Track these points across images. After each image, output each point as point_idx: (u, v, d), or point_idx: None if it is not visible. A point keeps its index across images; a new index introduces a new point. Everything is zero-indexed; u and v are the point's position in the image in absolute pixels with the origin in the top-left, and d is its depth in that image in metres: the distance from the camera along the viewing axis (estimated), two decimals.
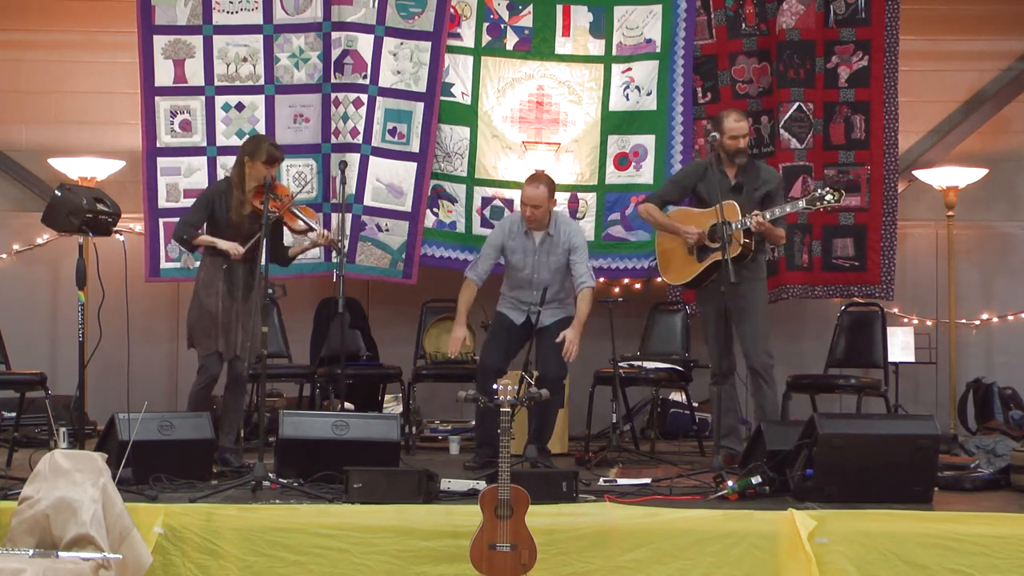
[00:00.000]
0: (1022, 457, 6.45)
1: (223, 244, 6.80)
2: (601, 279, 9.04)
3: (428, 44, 8.71)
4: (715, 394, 7.25)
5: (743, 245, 6.99)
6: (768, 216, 6.96)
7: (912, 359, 8.98)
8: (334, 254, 8.22)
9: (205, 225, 6.93)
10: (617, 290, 8.94)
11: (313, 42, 8.71)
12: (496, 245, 7.44)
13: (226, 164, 8.25)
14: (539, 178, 7.40)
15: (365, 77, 8.66)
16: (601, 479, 6.47)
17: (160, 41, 8.68)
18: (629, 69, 8.90)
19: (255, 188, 6.86)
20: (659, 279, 8.92)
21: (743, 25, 8.97)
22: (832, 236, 8.90)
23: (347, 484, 5.76)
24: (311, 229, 7.00)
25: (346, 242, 7.58)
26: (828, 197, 6.89)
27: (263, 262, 6.46)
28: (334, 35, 8.65)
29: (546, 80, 8.93)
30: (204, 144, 8.70)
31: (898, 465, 5.84)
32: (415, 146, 8.73)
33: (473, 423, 8.24)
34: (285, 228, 7.05)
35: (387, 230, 8.71)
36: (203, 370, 6.86)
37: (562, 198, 8.88)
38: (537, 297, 7.21)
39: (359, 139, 8.64)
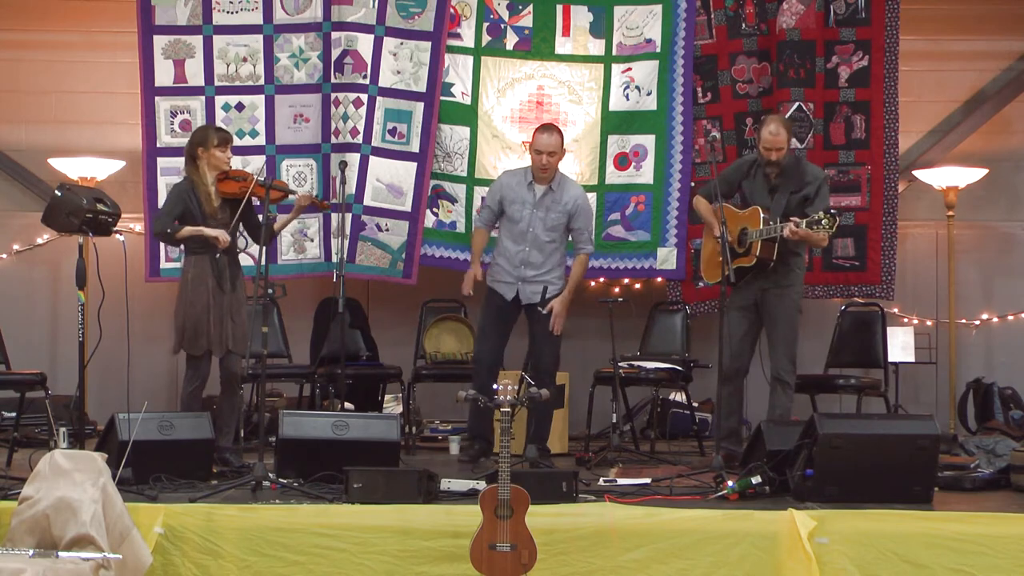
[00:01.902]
0: (1022, 457, 6.45)
1: (210, 231, 6.75)
2: (601, 279, 9.07)
3: (428, 44, 8.71)
4: (720, 394, 7.24)
5: (757, 257, 6.99)
6: (764, 234, 6.94)
7: (912, 359, 8.98)
8: (334, 254, 8.23)
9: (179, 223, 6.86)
10: (617, 290, 8.94)
11: (313, 42, 8.71)
12: (496, 196, 7.47)
13: None
14: (551, 127, 7.49)
15: (365, 77, 8.66)
16: (601, 479, 6.47)
17: (160, 41, 8.68)
18: (629, 69, 8.90)
19: (217, 177, 6.86)
20: (659, 279, 9.00)
21: (743, 25, 8.97)
22: (832, 236, 8.87)
23: (347, 484, 5.76)
24: (290, 193, 6.99)
25: (330, 202, 7.64)
26: (824, 222, 6.89)
27: (263, 261, 6.45)
28: (334, 35, 8.65)
29: (546, 80, 8.93)
30: None
31: (898, 465, 5.84)
32: (415, 146, 8.73)
33: None
34: (259, 205, 6.96)
35: (387, 230, 8.71)
36: (193, 372, 6.84)
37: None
38: (528, 256, 7.29)
39: (359, 139, 8.64)
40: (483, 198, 7.94)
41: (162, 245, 8.62)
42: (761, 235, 6.97)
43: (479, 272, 7.53)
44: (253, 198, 6.89)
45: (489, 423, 7.33)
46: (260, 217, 6.91)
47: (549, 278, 7.37)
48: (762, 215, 7.04)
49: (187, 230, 6.78)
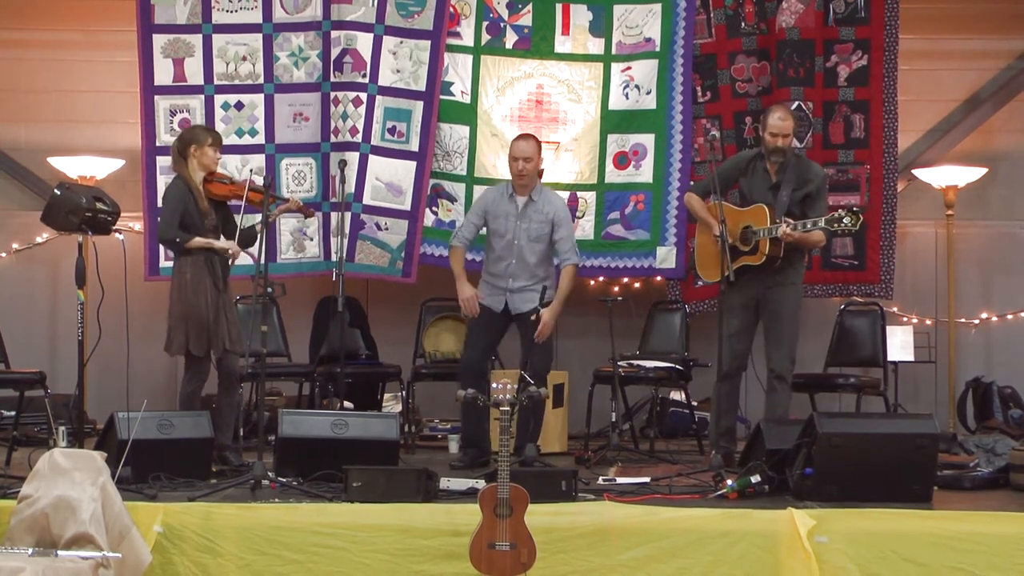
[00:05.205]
0: (1021, 456, 6.45)
1: (221, 244, 6.80)
2: (601, 278, 9.07)
3: (427, 43, 8.71)
4: (719, 392, 7.21)
5: (767, 256, 6.97)
6: (796, 229, 6.91)
7: (911, 358, 8.98)
8: (334, 253, 8.23)
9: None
10: (617, 289, 8.93)
11: (312, 41, 8.70)
12: (479, 212, 7.47)
13: (226, 164, 8.25)
14: (527, 135, 7.60)
15: (364, 76, 8.66)
16: (600, 478, 6.47)
17: (160, 40, 8.68)
18: (629, 68, 8.89)
19: (204, 177, 6.90)
20: (658, 278, 9.00)
21: (742, 24, 8.97)
22: (831, 235, 8.88)
23: (346, 483, 5.76)
24: (281, 200, 7.06)
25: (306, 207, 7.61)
26: (846, 220, 6.87)
27: (262, 260, 6.46)
28: (333, 34, 8.65)
29: (545, 79, 8.93)
30: None
31: (898, 464, 5.84)
32: (414, 145, 8.73)
33: None
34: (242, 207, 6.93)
35: (386, 229, 8.71)
36: (194, 372, 6.85)
37: (561, 198, 8.89)
38: (515, 269, 7.27)
39: (358, 138, 8.64)
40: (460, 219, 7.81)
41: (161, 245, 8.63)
42: (769, 233, 6.94)
43: (474, 290, 7.36)
44: (236, 202, 6.91)
45: (483, 431, 7.29)
46: (238, 219, 6.96)
47: (540, 287, 7.27)
48: (768, 213, 7.01)
49: (197, 242, 6.78)
